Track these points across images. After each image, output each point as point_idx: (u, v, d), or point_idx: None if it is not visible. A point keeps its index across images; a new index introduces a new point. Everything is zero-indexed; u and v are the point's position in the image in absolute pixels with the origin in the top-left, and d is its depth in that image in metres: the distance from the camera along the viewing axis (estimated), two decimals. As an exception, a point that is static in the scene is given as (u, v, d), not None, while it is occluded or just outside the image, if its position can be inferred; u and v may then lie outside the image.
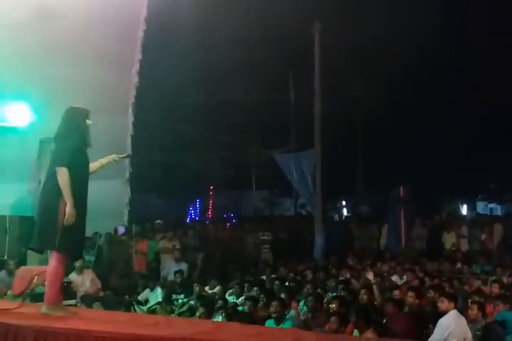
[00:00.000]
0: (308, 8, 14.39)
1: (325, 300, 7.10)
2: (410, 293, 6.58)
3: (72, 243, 4.31)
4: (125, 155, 5.26)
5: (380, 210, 15.53)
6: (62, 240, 4.21)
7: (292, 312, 7.01)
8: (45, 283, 4.41)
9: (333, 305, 6.30)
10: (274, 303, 6.54)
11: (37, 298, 6.07)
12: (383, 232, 13.22)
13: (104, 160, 4.75)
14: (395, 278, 8.98)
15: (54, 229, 4.21)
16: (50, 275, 4.32)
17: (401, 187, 12.92)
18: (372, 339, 5.07)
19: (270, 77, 16.75)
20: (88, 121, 4.56)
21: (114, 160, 4.78)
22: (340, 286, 7.67)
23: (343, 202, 22.50)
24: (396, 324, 5.87)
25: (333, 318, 5.90)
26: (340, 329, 5.80)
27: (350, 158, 18.37)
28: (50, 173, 4.39)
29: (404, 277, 8.86)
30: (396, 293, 7.08)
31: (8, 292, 7.67)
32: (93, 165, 4.66)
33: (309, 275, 9.18)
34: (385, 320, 6.29)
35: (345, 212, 22.20)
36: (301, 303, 7.01)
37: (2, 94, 10.78)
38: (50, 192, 4.31)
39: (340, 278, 8.69)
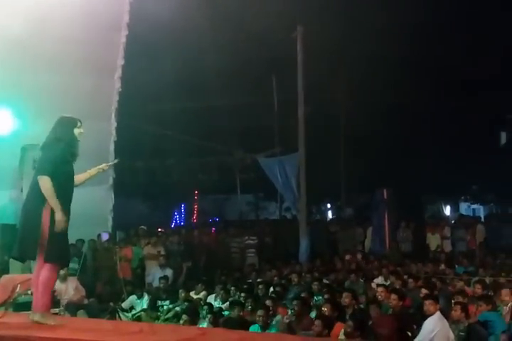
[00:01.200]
0: (290, 12, 14.45)
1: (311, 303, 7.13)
2: (393, 296, 6.63)
3: (59, 251, 4.29)
4: (114, 161, 5.24)
5: (364, 213, 15.63)
6: (49, 249, 4.21)
7: (278, 317, 7.03)
8: (35, 291, 4.35)
9: (325, 309, 6.33)
10: (260, 312, 6.56)
11: (19, 307, 6.04)
12: (368, 235, 13.31)
13: (92, 171, 4.75)
14: (379, 280, 9.04)
15: (36, 238, 4.20)
16: (43, 284, 4.28)
17: (384, 190, 13.03)
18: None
19: (253, 81, 16.80)
20: (77, 131, 4.54)
21: (103, 169, 4.79)
22: (325, 289, 7.70)
23: (328, 205, 22.59)
24: (380, 326, 5.91)
25: (317, 321, 5.93)
26: (323, 333, 5.83)
27: (334, 161, 18.44)
28: (34, 182, 4.37)
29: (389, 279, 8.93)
30: (379, 295, 7.12)
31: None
32: (81, 177, 4.65)
33: (295, 278, 9.20)
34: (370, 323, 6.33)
35: (330, 214, 22.28)
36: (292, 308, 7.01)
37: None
38: (33, 201, 4.30)
39: (325, 282, 8.73)
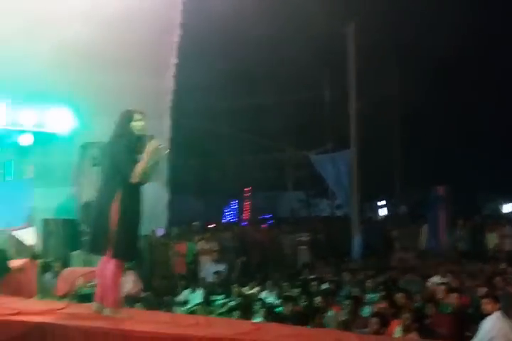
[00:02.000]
0: (342, 7, 14.30)
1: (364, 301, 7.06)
2: (454, 294, 6.48)
3: (127, 246, 4.28)
4: (163, 146, 4.70)
5: (419, 210, 15.30)
6: (118, 244, 4.20)
7: (330, 313, 7.00)
8: (101, 284, 4.37)
9: (381, 306, 6.25)
10: (313, 307, 6.55)
11: (82, 298, 6.27)
12: (423, 232, 13.02)
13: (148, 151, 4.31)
14: (436, 278, 8.83)
15: (106, 233, 4.20)
16: (110, 279, 4.29)
17: (441, 187, 12.72)
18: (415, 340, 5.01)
19: (305, 78, 16.73)
20: (134, 124, 4.35)
21: (158, 147, 4.38)
22: (381, 287, 7.60)
23: (381, 203, 22.23)
24: (439, 325, 5.79)
25: (373, 319, 5.87)
26: (380, 330, 5.77)
27: (388, 157, 18.14)
28: (103, 179, 4.39)
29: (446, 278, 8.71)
30: (438, 294, 6.97)
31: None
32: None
33: (348, 276, 9.13)
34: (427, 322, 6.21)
35: (382, 212, 21.92)
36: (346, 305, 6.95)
37: (45, 101, 11.11)
38: (103, 196, 4.30)
39: (380, 280, 8.61)
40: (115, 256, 4.25)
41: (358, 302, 6.83)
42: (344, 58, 13.80)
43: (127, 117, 4.39)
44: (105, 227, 4.20)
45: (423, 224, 13.22)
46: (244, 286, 9.04)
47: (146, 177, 4.29)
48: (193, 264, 11.44)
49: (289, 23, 14.84)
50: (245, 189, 22.04)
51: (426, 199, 13.45)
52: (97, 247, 4.34)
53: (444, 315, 6.34)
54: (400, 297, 6.87)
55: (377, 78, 16.38)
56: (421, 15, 14.91)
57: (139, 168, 4.22)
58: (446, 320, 6.01)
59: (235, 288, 8.71)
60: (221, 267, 10.56)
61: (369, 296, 7.67)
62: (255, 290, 8.91)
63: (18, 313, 3.93)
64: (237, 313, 7.01)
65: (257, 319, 6.93)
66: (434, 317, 6.18)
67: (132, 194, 4.29)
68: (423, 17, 14.87)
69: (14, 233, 8.27)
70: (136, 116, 4.38)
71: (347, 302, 6.75)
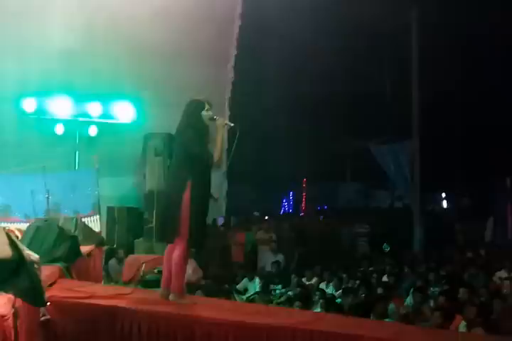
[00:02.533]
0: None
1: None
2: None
3: (198, 235, 4.34)
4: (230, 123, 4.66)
5: (484, 202, 14.80)
6: (190, 233, 4.25)
7: (391, 306, 6.91)
8: (167, 271, 4.45)
9: (444, 301, 6.11)
10: (373, 299, 6.49)
11: (146, 284, 6.47)
12: (488, 225, 12.61)
13: (218, 128, 4.42)
14: (502, 273, 8.55)
15: (177, 222, 4.24)
16: (176, 266, 4.37)
17: (508, 179, 12.25)
18: (481, 335, 4.88)
19: (365, 67, 16.42)
20: (205, 114, 4.39)
21: (226, 124, 4.49)
22: (444, 280, 7.42)
23: (443, 194, 21.67)
24: (504, 320, 5.60)
25: (436, 313, 5.75)
26: (443, 325, 5.65)
27: (450, 148, 17.58)
28: (172, 168, 4.46)
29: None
30: (505, 288, 6.75)
31: (119, 279, 8.16)
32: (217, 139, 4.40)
33: (409, 268, 8.97)
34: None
35: (444, 204, 21.37)
36: (408, 298, 6.84)
37: (109, 94, 11.46)
38: (174, 186, 4.33)
39: (442, 273, 8.42)
40: (190, 244, 4.33)
41: (421, 294, 6.69)
42: (407, 46, 13.46)
43: (199, 107, 4.43)
44: (176, 216, 4.25)
45: (488, 216, 12.80)
46: (303, 277, 9.05)
47: (221, 161, 4.41)
48: (252, 254, 11.54)
49: (349, 12, 14.57)
50: (303, 179, 22.01)
51: (491, 191, 12.99)
52: (166, 235, 4.38)
53: (510, 309, 6.13)
54: (463, 292, 6.70)
55: (440, 67, 15.87)
56: (489, 2, 14.26)
57: (218, 150, 4.31)
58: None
59: (294, 279, 8.73)
60: (279, 257, 10.61)
61: (431, 290, 7.51)
62: (314, 281, 8.91)
63: (89, 297, 4.10)
64: (295, 303, 7.04)
65: (317, 310, 6.95)
66: (500, 312, 5.99)
67: (202, 182, 4.33)
68: (491, 5, 14.21)
69: (82, 220, 8.61)
70: (207, 106, 4.43)
71: (412, 294, 6.62)
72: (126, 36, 11.15)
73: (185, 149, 4.33)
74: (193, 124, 4.38)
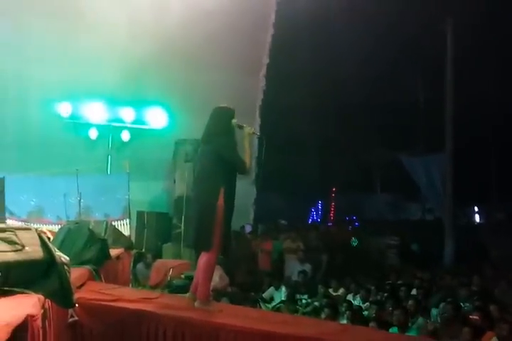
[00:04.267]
0: (439, 4, 13.76)
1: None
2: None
3: (225, 241, 4.39)
4: (257, 132, 4.81)
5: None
6: (222, 240, 4.32)
7: (420, 320, 6.78)
8: (199, 279, 4.47)
9: (476, 317, 5.97)
10: (397, 312, 6.38)
11: (173, 289, 6.50)
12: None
13: (246, 136, 4.50)
14: (536, 291, 8.30)
15: (212, 231, 4.26)
16: (204, 272, 4.40)
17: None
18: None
19: (398, 78, 16.28)
20: (234, 121, 4.48)
21: (253, 132, 4.57)
22: (475, 297, 7.24)
23: (475, 208, 21.22)
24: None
25: (466, 329, 5.61)
26: (473, 341, 5.51)
27: (484, 161, 17.24)
28: (204, 175, 4.43)
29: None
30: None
31: (146, 283, 8.22)
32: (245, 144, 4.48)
33: (439, 282, 8.78)
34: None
35: (477, 218, 20.92)
36: (433, 311, 6.71)
37: (142, 100, 11.64)
38: (209, 193, 4.31)
39: (474, 288, 8.22)
40: (218, 251, 4.37)
41: (455, 310, 6.53)
42: (442, 58, 13.29)
43: (229, 114, 4.50)
44: (211, 223, 4.26)
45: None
46: (330, 287, 8.96)
47: (251, 169, 4.47)
48: (279, 262, 11.48)
49: (382, 21, 14.47)
50: (332, 189, 21.85)
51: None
52: (202, 243, 4.37)
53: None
54: (494, 308, 6.52)
55: (475, 78, 15.61)
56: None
57: (247, 158, 4.40)
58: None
59: (321, 289, 8.65)
60: (307, 267, 10.53)
61: (461, 305, 7.33)
62: (341, 291, 8.81)
63: (117, 300, 4.14)
64: (322, 313, 6.97)
65: (343, 321, 6.86)
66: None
67: (232, 190, 4.38)
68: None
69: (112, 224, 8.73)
70: (234, 114, 4.50)
71: (443, 309, 6.48)
72: (161, 43, 11.32)
73: (218, 156, 4.34)
74: (225, 132, 4.41)
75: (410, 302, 6.98)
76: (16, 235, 3.06)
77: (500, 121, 17.46)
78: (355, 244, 9.17)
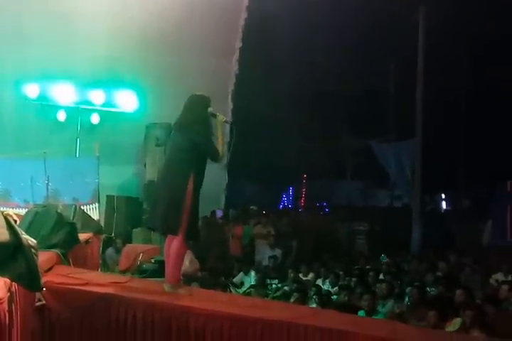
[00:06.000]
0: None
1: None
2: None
3: (193, 226, 4.41)
4: (229, 121, 4.74)
5: (483, 205, 14.78)
6: (188, 225, 4.32)
7: (388, 304, 6.91)
8: (167, 263, 4.50)
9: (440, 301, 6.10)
10: (366, 297, 6.49)
11: (143, 274, 6.46)
12: (487, 228, 12.58)
13: (218, 124, 4.51)
14: (499, 275, 8.54)
15: (181, 214, 4.28)
16: (174, 256, 4.42)
17: (508, 181, 12.21)
18: (476, 337, 4.86)
19: (369, 65, 16.38)
20: (209, 109, 4.49)
21: (225, 121, 4.56)
22: (440, 281, 7.41)
23: (443, 195, 21.66)
24: (501, 323, 5.59)
25: (431, 312, 5.74)
26: (439, 325, 5.64)
27: (452, 149, 17.56)
28: (174, 158, 4.45)
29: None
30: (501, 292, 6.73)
31: (116, 268, 8.15)
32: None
33: (405, 267, 8.96)
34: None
35: (444, 205, 21.35)
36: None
37: (112, 82, 11.42)
38: (177, 177, 4.33)
39: (438, 274, 8.41)
40: (186, 236, 4.37)
41: (420, 294, 6.67)
42: (413, 45, 13.39)
43: (205, 102, 4.53)
44: (180, 208, 4.29)
45: (487, 219, 12.77)
46: (299, 272, 9.05)
47: (224, 156, 4.52)
48: (249, 247, 11.54)
49: (354, 9, 14.49)
50: (303, 175, 21.98)
51: (491, 193, 12.96)
52: (171, 227, 4.38)
53: (507, 312, 6.13)
54: (459, 294, 6.69)
55: (445, 67, 15.81)
56: (495, 2, 14.18)
57: (220, 146, 4.42)
58: (509, 318, 5.80)
59: (291, 274, 8.73)
60: (277, 252, 10.60)
61: (428, 290, 7.50)
62: (310, 276, 8.91)
63: (86, 284, 4.08)
64: (291, 298, 7.03)
65: (312, 305, 6.94)
66: (497, 315, 5.98)
67: (201, 176, 4.41)
68: (497, 4, 14.13)
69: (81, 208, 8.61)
70: (210, 103, 4.52)
71: (409, 293, 6.61)
72: (131, 25, 11.12)
73: (192, 143, 4.35)
74: (200, 119, 4.44)
75: (382, 286, 7.08)
76: (-20, 217, 2.97)
77: (469, 109, 17.78)
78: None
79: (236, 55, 13.56)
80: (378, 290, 6.87)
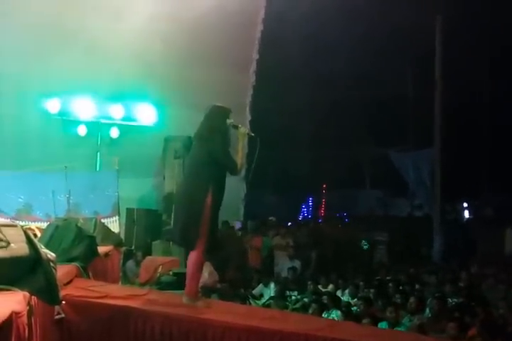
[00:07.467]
0: (429, 1, 13.80)
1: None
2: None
3: (211, 239, 4.38)
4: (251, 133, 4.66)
5: (506, 213, 14.56)
6: (208, 237, 4.31)
7: (407, 315, 6.81)
8: (187, 275, 4.48)
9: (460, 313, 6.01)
10: (390, 309, 6.42)
11: (163, 286, 6.50)
12: (507, 236, 12.39)
13: (240, 136, 4.49)
14: (522, 286, 8.37)
15: (199, 228, 4.27)
16: (192, 269, 4.41)
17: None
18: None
19: (387, 74, 16.33)
20: (228, 121, 4.45)
21: (247, 133, 4.54)
22: (461, 292, 7.30)
23: (464, 204, 21.36)
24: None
25: (451, 324, 5.66)
26: (459, 336, 5.56)
27: (473, 157, 17.35)
28: (193, 172, 4.45)
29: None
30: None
31: (136, 280, 8.20)
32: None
33: (426, 278, 8.84)
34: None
35: (466, 214, 21.05)
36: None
37: (132, 96, 11.58)
38: (197, 190, 4.31)
39: (461, 284, 8.29)
40: (205, 249, 4.35)
41: (442, 305, 6.58)
42: (430, 53, 13.34)
43: (224, 114, 4.49)
44: (197, 222, 4.27)
45: (510, 228, 12.58)
46: (319, 284, 8.99)
47: (242, 168, 4.53)
48: (268, 259, 11.50)
49: (371, 17, 14.51)
50: (322, 185, 21.90)
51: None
52: (188, 241, 4.39)
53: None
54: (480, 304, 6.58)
55: (464, 74, 15.69)
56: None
57: (239, 159, 4.40)
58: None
59: (311, 285, 8.68)
60: (296, 263, 10.56)
61: (449, 301, 7.39)
62: (330, 287, 8.85)
63: (105, 296, 4.13)
64: (310, 309, 6.99)
65: (332, 317, 6.89)
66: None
67: (221, 188, 4.39)
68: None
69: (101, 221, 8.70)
70: (231, 114, 4.49)
71: (431, 304, 6.51)
72: (150, 39, 11.26)
73: (210, 155, 4.33)
74: (218, 131, 4.40)
75: (411, 299, 6.96)
76: (0, 232, 3.05)
77: (490, 116, 17.58)
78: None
79: (253, 67, 13.64)
80: (408, 306, 6.77)
